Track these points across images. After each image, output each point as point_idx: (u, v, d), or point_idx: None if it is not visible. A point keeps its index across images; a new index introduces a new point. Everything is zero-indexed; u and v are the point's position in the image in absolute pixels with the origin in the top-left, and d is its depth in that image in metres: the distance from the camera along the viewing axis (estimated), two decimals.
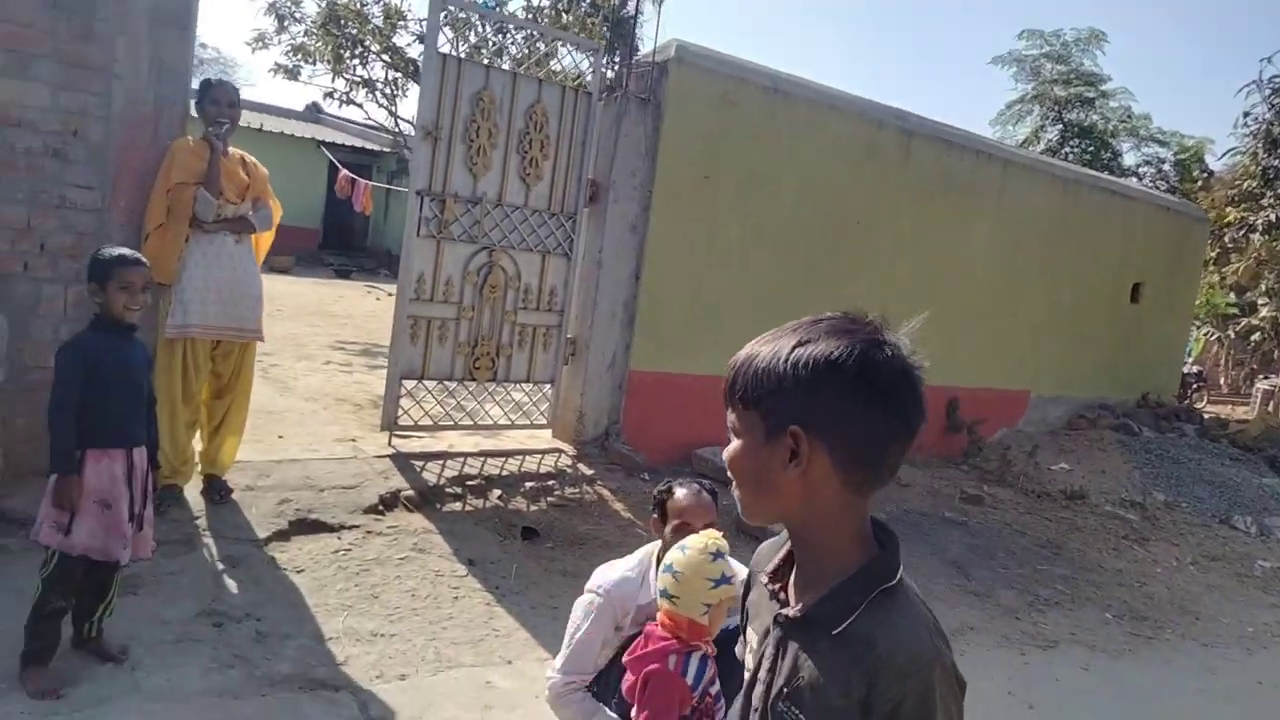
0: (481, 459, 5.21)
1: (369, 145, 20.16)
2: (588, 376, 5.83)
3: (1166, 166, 16.64)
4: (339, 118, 21.58)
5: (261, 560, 3.76)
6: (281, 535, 3.98)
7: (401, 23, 10.76)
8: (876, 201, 6.94)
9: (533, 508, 4.84)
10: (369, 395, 6.47)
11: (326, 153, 18.33)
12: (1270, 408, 13.76)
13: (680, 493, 2.62)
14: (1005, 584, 5.15)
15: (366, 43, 10.74)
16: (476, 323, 5.45)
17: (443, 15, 5.69)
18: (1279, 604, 5.65)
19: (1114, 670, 4.33)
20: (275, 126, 18.90)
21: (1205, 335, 17.53)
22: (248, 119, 4.48)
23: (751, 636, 1.19)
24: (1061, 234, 8.36)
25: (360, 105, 11.29)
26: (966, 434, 7.70)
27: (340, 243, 20.83)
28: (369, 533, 4.15)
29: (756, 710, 1.10)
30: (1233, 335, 16.85)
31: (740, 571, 2.19)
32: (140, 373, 3.02)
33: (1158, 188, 14.79)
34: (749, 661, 1.17)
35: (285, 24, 10.77)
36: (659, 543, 2.80)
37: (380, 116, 11.80)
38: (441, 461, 5.04)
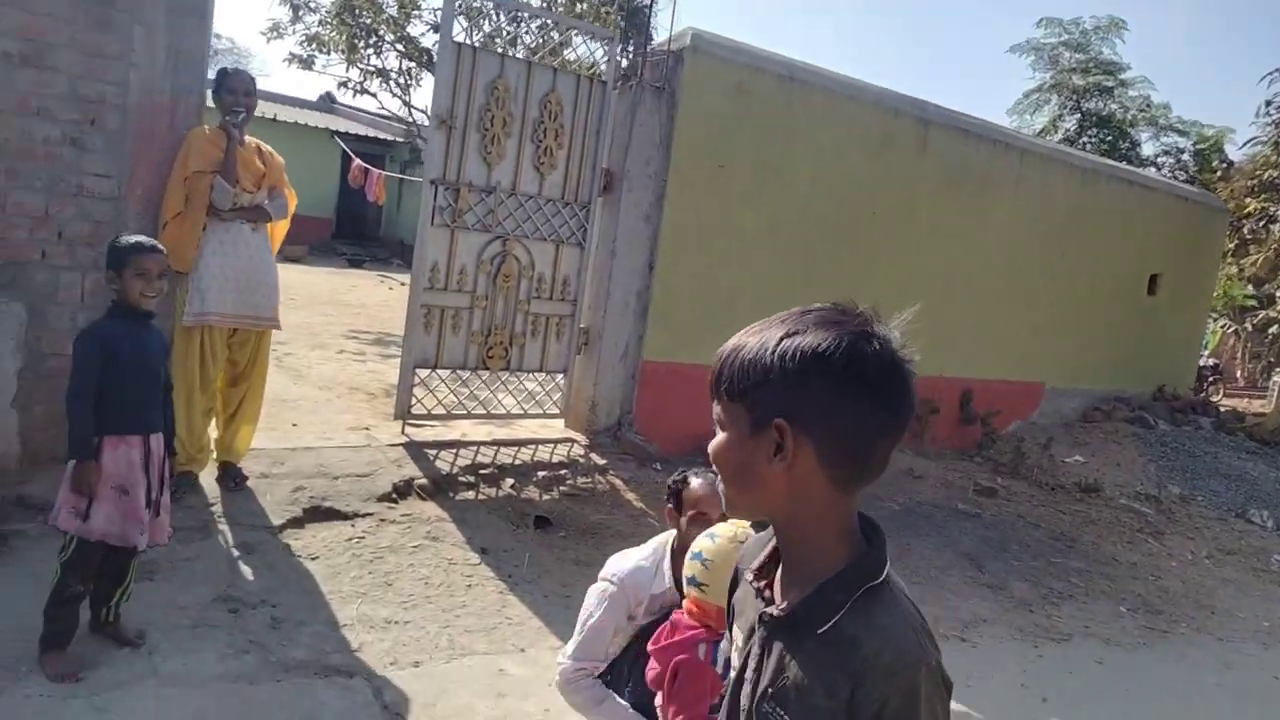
0: (494, 448, 5.23)
1: (382, 135, 20.18)
2: (600, 366, 5.83)
3: (1186, 156, 16.47)
4: (352, 107, 21.61)
5: (276, 547, 3.79)
6: (296, 522, 4.00)
7: (415, 12, 10.77)
8: (893, 191, 6.89)
9: (545, 497, 4.85)
10: (382, 384, 6.49)
11: (340, 142, 18.36)
12: None
13: (696, 483, 2.61)
14: (1019, 576, 5.13)
15: (380, 32, 10.75)
16: (490, 312, 5.45)
17: (457, 3, 5.68)
18: None
19: (1128, 664, 4.31)
20: (289, 116, 18.94)
21: (1222, 328, 17.38)
22: (262, 109, 4.49)
23: (737, 634, 1.17)
24: (1079, 224, 8.29)
25: (374, 95, 11.32)
26: (980, 426, 7.67)
27: (353, 232, 20.88)
28: (383, 520, 4.18)
29: (743, 710, 1.08)
30: (1250, 328, 16.70)
31: None
32: (157, 360, 3.04)
33: (1176, 178, 14.64)
34: (734, 660, 1.15)
35: (300, 14, 10.80)
36: (673, 532, 2.80)
37: (394, 106, 11.83)
38: (454, 450, 5.06)
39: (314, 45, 10.87)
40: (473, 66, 5.18)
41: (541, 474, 5.06)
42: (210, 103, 4.35)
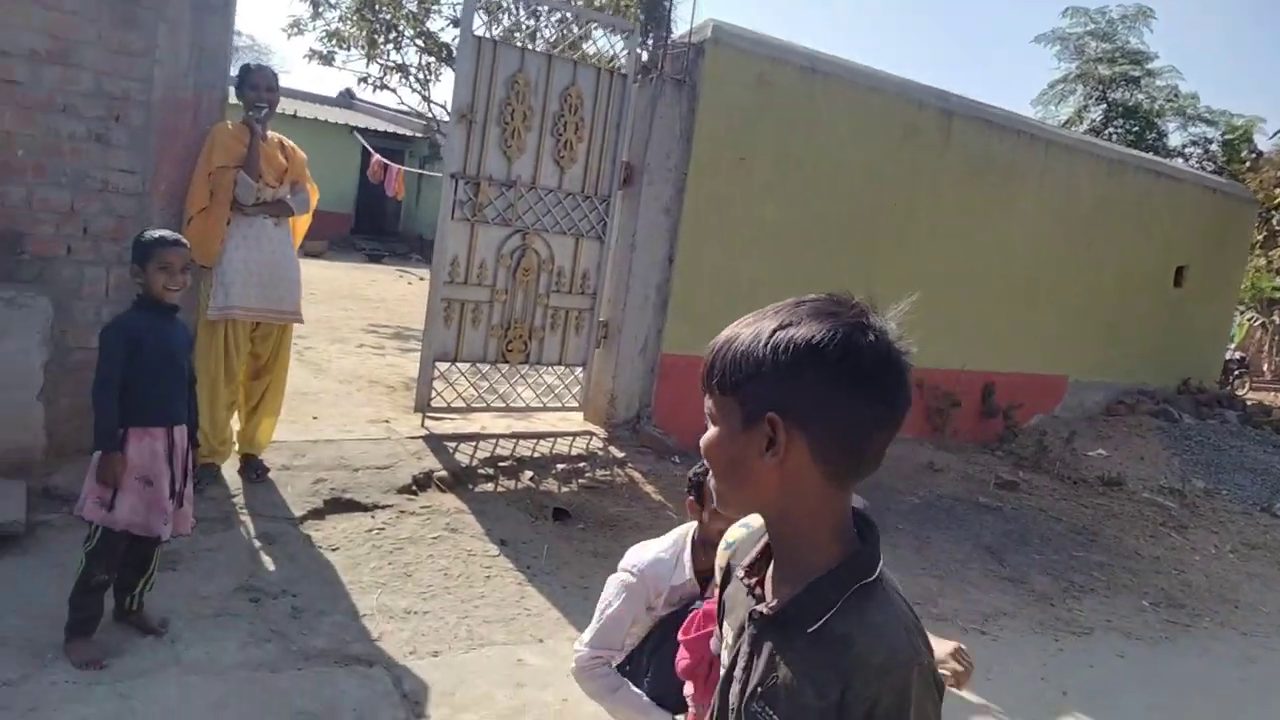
0: (513, 441, 5.25)
1: (401, 130, 20.28)
2: (620, 360, 5.84)
3: (1214, 147, 16.22)
4: (371, 103, 21.72)
5: (297, 538, 3.83)
6: (316, 514, 4.04)
7: (435, 7, 10.80)
8: (916, 183, 6.85)
9: (564, 489, 4.86)
10: (402, 378, 6.54)
11: (359, 138, 18.47)
12: None
13: None
14: (1040, 570, 5.09)
15: (400, 27, 10.79)
16: (509, 305, 5.47)
17: None
18: None
19: (1150, 658, 4.27)
20: (309, 113, 19.07)
21: (1249, 320, 17.13)
22: (282, 105, 4.52)
23: (727, 631, 1.15)
24: (1104, 216, 8.20)
25: (394, 90, 11.36)
26: (1002, 419, 7.61)
27: (372, 227, 21.01)
28: (402, 512, 4.21)
29: (733, 710, 1.06)
30: (1278, 320, 16.44)
31: None
32: (181, 353, 3.08)
33: (1204, 168, 14.44)
34: (724, 658, 1.13)
35: (320, 10, 10.86)
36: (693, 524, 2.80)
37: (413, 101, 11.88)
38: (474, 443, 5.08)
39: (334, 41, 10.92)
40: (493, 60, 5.19)
41: (560, 466, 5.08)
42: (233, 99, 4.39)
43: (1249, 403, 10.48)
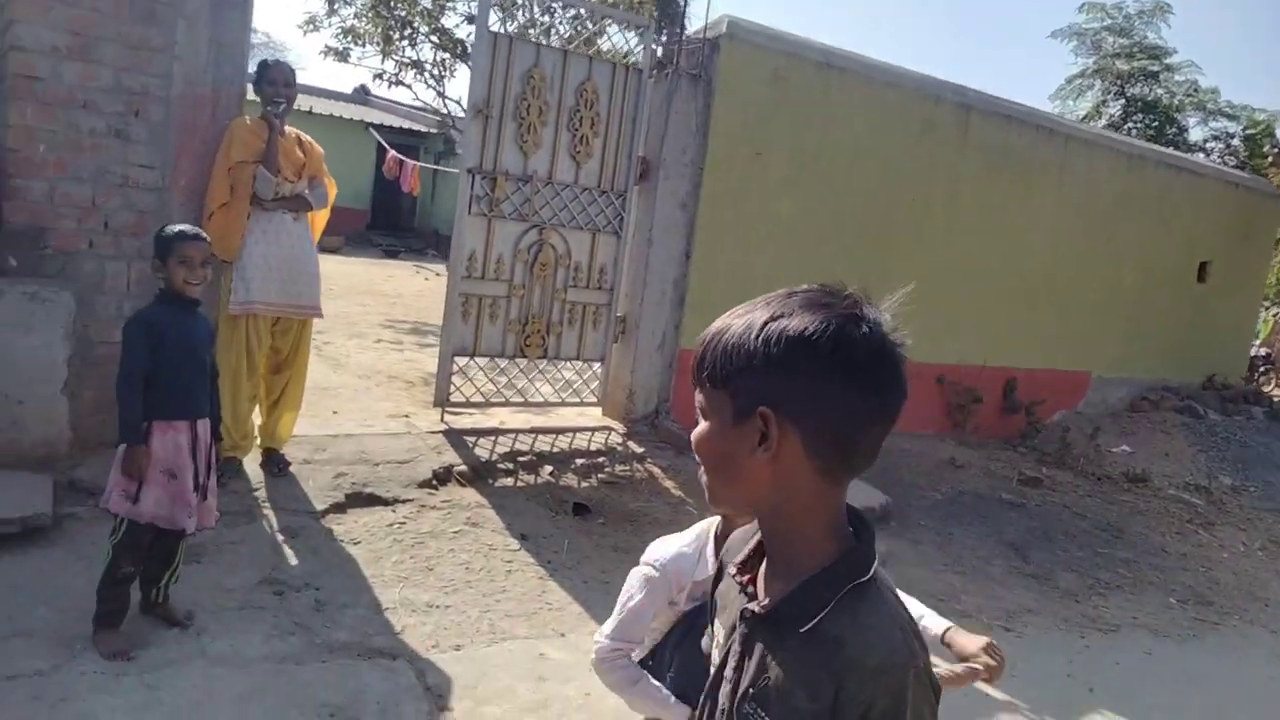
0: (532, 436, 5.24)
1: (416, 126, 20.32)
2: (638, 355, 5.82)
3: (1236, 141, 16.03)
4: (387, 100, 21.82)
5: (319, 532, 3.83)
6: (338, 508, 4.04)
7: (449, 4, 10.81)
8: (933, 178, 6.80)
9: (583, 484, 4.85)
10: (420, 372, 6.54)
11: (375, 134, 18.51)
12: None
13: None
14: (1065, 567, 5.04)
15: (415, 24, 10.80)
16: (527, 301, 5.46)
17: None
18: None
19: (1178, 655, 4.22)
20: (325, 109, 19.15)
21: (1275, 316, 16.92)
22: (298, 102, 4.53)
23: (718, 630, 1.12)
24: (1125, 211, 8.11)
25: (409, 86, 11.38)
26: (1024, 415, 7.54)
27: (388, 223, 21.07)
28: (423, 506, 4.21)
29: (723, 710, 1.04)
30: None
31: None
32: (203, 347, 3.08)
33: (1226, 163, 14.27)
34: (715, 657, 1.10)
35: (335, 6, 10.88)
36: (716, 519, 2.78)
37: (428, 97, 11.89)
38: (493, 438, 5.08)
39: (349, 38, 10.94)
40: (509, 56, 5.18)
41: (579, 461, 5.07)
42: (251, 95, 4.39)
43: (1276, 399, 10.36)
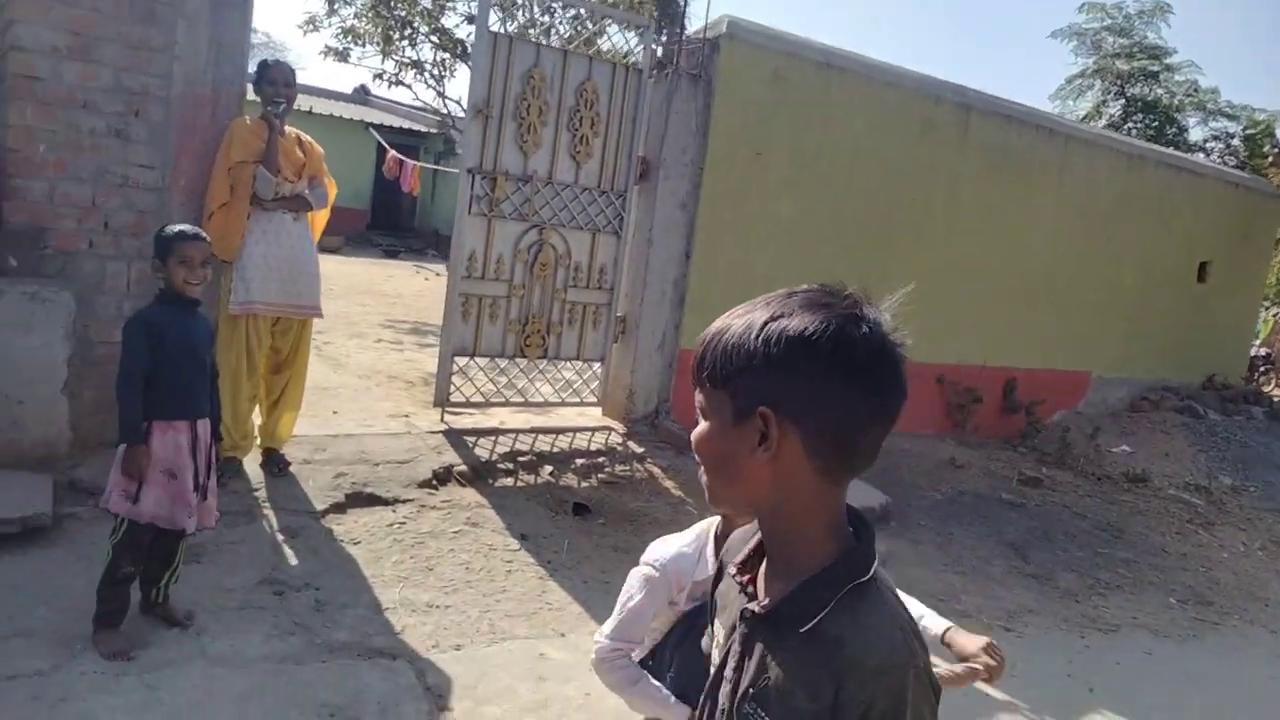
0: (532, 436, 5.24)
1: (416, 126, 20.31)
2: (638, 355, 5.82)
3: (1236, 142, 16.02)
4: (386, 100, 21.81)
5: (319, 531, 3.83)
6: (338, 508, 4.04)
7: (449, 4, 10.81)
8: (933, 178, 6.80)
9: (583, 484, 4.85)
10: (420, 372, 6.54)
11: (375, 134, 18.51)
12: None
13: None
14: (1065, 566, 5.04)
15: (415, 24, 10.80)
16: (527, 300, 5.46)
17: None
18: None
19: (1178, 655, 4.22)
20: (325, 109, 19.15)
21: (1275, 316, 16.92)
22: (298, 101, 4.53)
23: (718, 630, 1.12)
24: (1125, 211, 8.12)
25: (409, 86, 11.38)
26: (1024, 415, 7.54)
27: (388, 223, 21.07)
28: (423, 506, 4.21)
29: (723, 710, 1.04)
30: None
31: None
32: (204, 347, 3.08)
33: (1226, 163, 14.26)
34: (715, 657, 1.10)
35: (335, 6, 10.88)
36: (716, 519, 2.78)
37: (428, 97, 11.89)
38: (493, 438, 5.08)
39: (349, 38, 10.94)
40: (509, 56, 5.18)
41: (579, 461, 5.07)
42: (251, 95, 4.39)
43: (1276, 399, 10.36)
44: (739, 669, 1.02)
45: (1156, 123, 15.84)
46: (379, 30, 10.58)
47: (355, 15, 10.85)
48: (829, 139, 6.24)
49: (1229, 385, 9.39)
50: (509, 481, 4.69)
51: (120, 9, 4.05)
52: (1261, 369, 12.11)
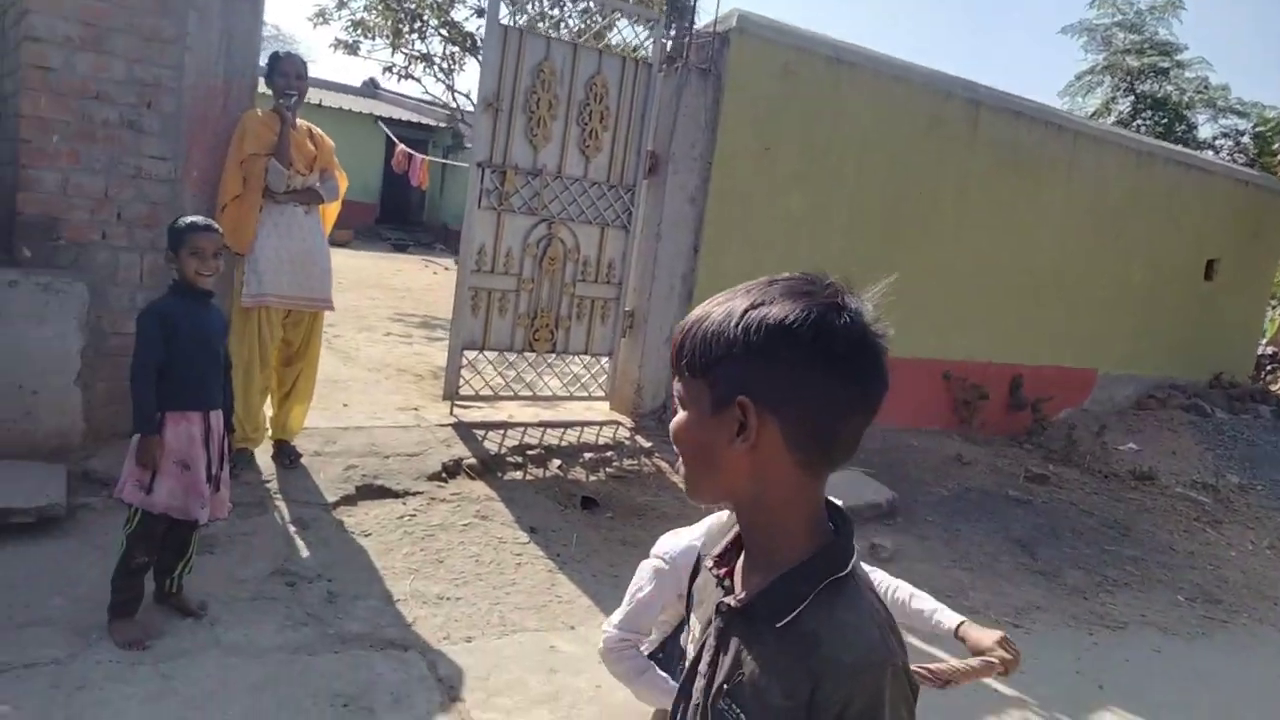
0: (541, 429, 5.25)
1: (425, 120, 20.32)
2: (646, 349, 5.82)
3: (1245, 139, 15.95)
4: (395, 93, 21.80)
5: (330, 523, 3.85)
6: (349, 500, 4.06)
7: None
8: (942, 173, 6.78)
9: (592, 478, 4.86)
10: (429, 366, 6.55)
11: (384, 128, 18.52)
12: None
13: None
14: (1072, 564, 5.04)
15: (425, 17, 10.81)
16: (536, 295, 5.47)
17: None
18: None
19: (1186, 653, 4.22)
20: (334, 102, 19.15)
21: None
22: (308, 94, 4.53)
23: (695, 624, 1.10)
24: (1133, 208, 8.09)
25: (418, 80, 11.39)
26: (1030, 412, 7.54)
27: (397, 217, 21.09)
28: (433, 499, 4.22)
29: (697, 706, 1.02)
30: None
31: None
32: (217, 338, 3.09)
33: (1235, 161, 14.21)
34: (690, 651, 1.08)
35: None
36: (726, 513, 2.79)
37: (438, 91, 11.90)
38: (502, 431, 5.09)
39: (359, 31, 10.96)
40: (519, 49, 5.18)
41: (588, 455, 5.08)
42: (262, 88, 4.40)
43: None
44: (714, 664, 1.00)
45: (1165, 119, 15.78)
46: (389, 23, 10.60)
47: (365, 8, 10.87)
48: (838, 134, 6.23)
49: (1236, 383, 9.37)
50: (518, 475, 4.71)
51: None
52: (1269, 367, 12.09)
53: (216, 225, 3.11)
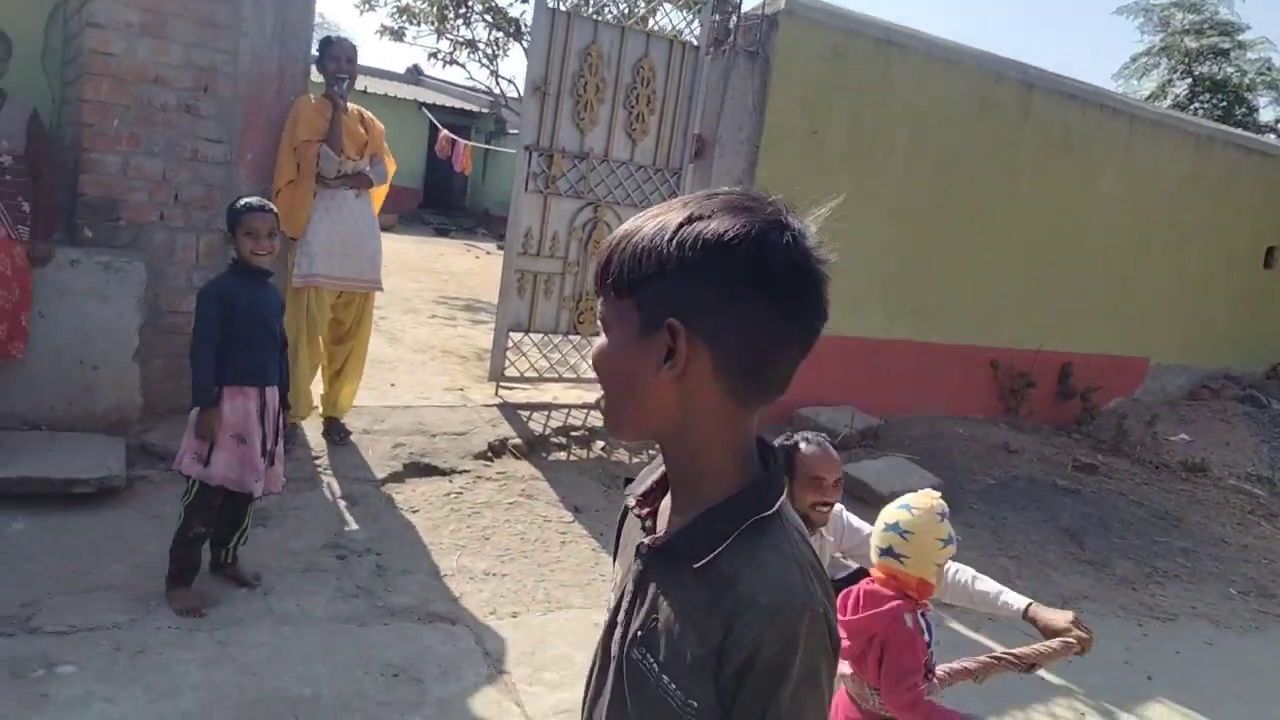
0: (585, 411, 5.28)
1: (468, 106, 20.42)
2: None
3: None
4: (439, 79, 21.94)
5: (379, 499, 3.92)
6: (397, 477, 4.13)
7: None
8: (993, 157, 6.67)
9: (634, 460, 4.89)
10: (473, 348, 6.62)
11: (428, 113, 18.65)
12: None
13: (807, 448, 2.58)
14: (1121, 554, 4.96)
15: (469, 2, 10.86)
16: (581, 278, 5.49)
17: None
18: None
19: (1239, 646, 4.13)
20: (378, 89, 19.28)
21: None
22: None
23: (618, 570, 1.03)
24: (1190, 193, 7.88)
25: (463, 65, 11.47)
26: (1080, 401, 7.40)
27: (440, 202, 21.24)
28: (479, 477, 4.28)
29: (614, 658, 0.93)
30: None
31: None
32: (273, 317, 3.16)
33: None
34: (610, 599, 1.00)
35: None
36: None
37: (481, 76, 11.96)
38: (546, 412, 5.14)
39: (404, 16, 11.05)
40: (566, 32, 5.19)
41: None
42: (315, 76, 4.46)
43: None
44: (630, 611, 0.93)
45: (1225, 102, 15.33)
46: (434, 9, 10.66)
47: None
48: (887, 117, 6.15)
49: None
50: (562, 455, 4.75)
51: None
52: None
53: (271, 206, 3.17)
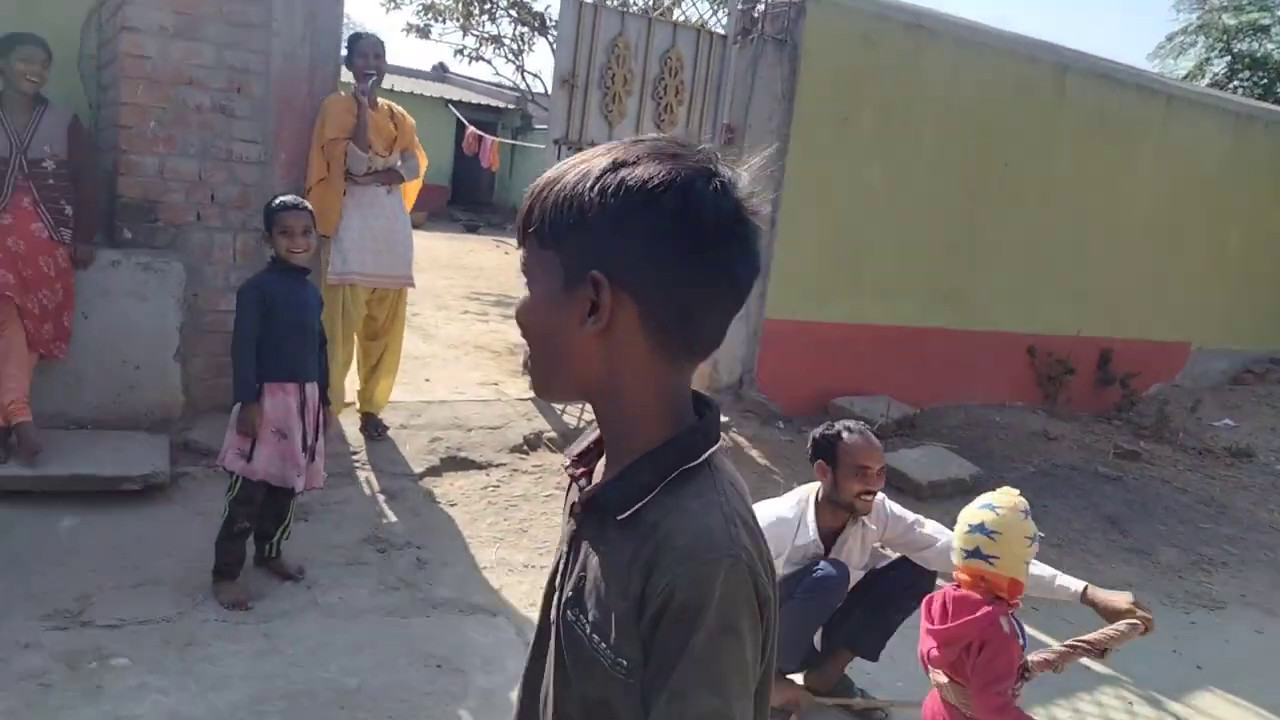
0: None
1: (494, 103, 20.49)
2: None
3: None
4: (464, 76, 22.02)
5: (417, 493, 3.95)
6: (434, 471, 4.16)
7: None
8: (1027, 141, 6.57)
9: None
10: (505, 343, 6.64)
11: (454, 110, 18.73)
12: None
13: (852, 438, 2.56)
14: (1166, 542, 4.87)
15: None
16: None
17: None
18: None
19: None
20: (405, 86, 19.40)
21: None
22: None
23: (561, 540, 1.00)
24: (1231, 174, 7.72)
25: (489, 61, 11.51)
26: (1120, 387, 7.27)
27: (468, 199, 21.34)
28: (515, 471, 4.29)
29: (552, 623, 0.91)
30: None
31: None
32: (312, 314, 3.19)
33: None
34: (551, 563, 0.98)
35: None
36: (815, 485, 2.77)
37: (508, 72, 11.99)
38: (580, 406, 5.14)
39: (430, 14, 11.10)
40: (594, 24, 5.17)
41: None
42: (346, 75, 4.48)
43: None
44: (565, 573, 0.90)
45: (1265, 80, 14.98)
46: (459, 5, 10.70)
47: None
48: (919, 102, 6.08)
49: None
50: None
51: None
52: None
53: (305, 204, 3.20)
